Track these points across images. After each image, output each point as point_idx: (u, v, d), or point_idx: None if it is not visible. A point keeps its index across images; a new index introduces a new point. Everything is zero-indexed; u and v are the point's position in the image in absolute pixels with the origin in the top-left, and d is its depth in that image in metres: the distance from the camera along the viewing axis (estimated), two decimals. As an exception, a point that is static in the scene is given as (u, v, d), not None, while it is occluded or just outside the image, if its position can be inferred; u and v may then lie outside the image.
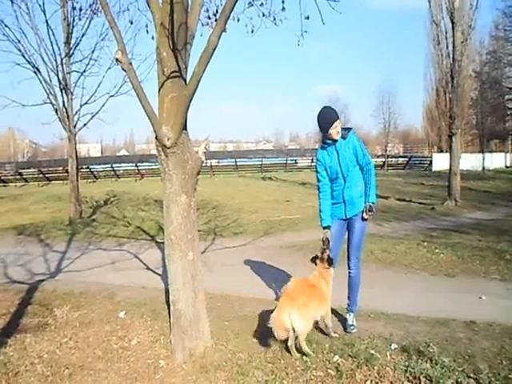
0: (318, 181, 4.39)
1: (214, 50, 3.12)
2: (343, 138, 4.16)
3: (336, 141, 4.17)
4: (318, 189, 4.43)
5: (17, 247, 9.56)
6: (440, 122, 19.56)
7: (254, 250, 8.86)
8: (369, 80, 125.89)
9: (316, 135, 53.84)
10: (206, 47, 3.10)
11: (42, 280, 6.64)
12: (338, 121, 4.09)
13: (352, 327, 4.32)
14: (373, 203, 4.26)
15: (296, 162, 40.16)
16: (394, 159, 43.59)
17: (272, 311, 3.79)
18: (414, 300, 5.52)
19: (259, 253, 8.59)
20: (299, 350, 3.73)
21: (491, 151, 39.83)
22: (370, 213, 4.25)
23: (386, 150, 43.77)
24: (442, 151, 39.88)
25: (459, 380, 3.23)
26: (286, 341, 3.75)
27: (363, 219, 4.33)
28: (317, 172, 4.39)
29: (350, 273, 4.44)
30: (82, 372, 3.63)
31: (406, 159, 40.76)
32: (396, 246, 8.57)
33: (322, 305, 3.97)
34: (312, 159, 39.08)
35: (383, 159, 40.65)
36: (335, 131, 4.09)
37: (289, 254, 8.43)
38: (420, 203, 16.54)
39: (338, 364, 3.57)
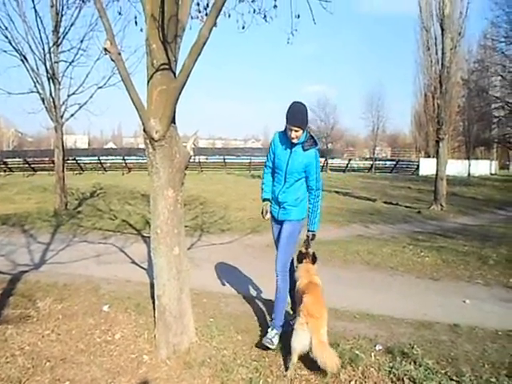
0: (267, 160, 4.17)
1: (205, 43, 3.07)
2: (303, 148, 3.84)
3: (293, 143, 3.84)
4: (264, 166, 4.23)
5: (0, 237, 9.39)
6: (428, 127, 19.90)
7: (240, 248, 8.86)
8: (358, 83, 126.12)
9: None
10: (196, 40, 3.05)
11: (25, 271, 6.52)
12: (301, 130, 3.74)
13: (268, 340, 3.78)
14: (314, 232, 4.06)
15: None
16: (381, 162, 43.92)
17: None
18: (399, 302, 5.56)
19: (246, 250, 8.59)
20: None
21: (477, 158, 40.46)
22: (309, 243, 4.06)
23: (373, 153, 44.14)
24: (429, 156, 40.31)
25: (442, 382, 3.26)
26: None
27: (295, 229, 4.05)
28: (268, 151, 4.13)
29: (276, 281, 4.02)
30: (64, 365, 3.57)
31: (394, 163, 41.09)
32: (382, 248, 8.64)
33: None
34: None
35: (371, 162, 40.94)
36: (294, 135, 3.74)
37: (271, 251, 8.41)
38: (407, 207, 16.70)
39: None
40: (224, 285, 6.14)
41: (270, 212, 4.16)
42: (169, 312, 3.73)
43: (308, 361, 3.58)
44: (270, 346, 3.76)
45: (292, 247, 4.07)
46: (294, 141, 3.77)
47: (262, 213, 4.16)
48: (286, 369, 3.46)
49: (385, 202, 17.82)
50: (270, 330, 3.90)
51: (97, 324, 4.41)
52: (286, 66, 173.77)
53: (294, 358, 3.38)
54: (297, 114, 3.72)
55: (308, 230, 4.06)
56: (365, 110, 43.85)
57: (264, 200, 4.18)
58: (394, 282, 6.56)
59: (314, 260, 4.08)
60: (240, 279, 6.49)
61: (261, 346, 3.83)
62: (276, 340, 3.80)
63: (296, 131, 3.71)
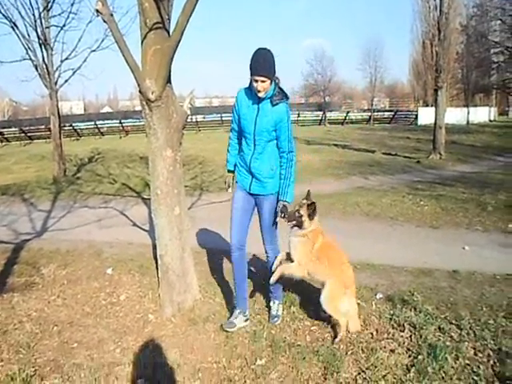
0: (231, 123, 3.64)
1: (197, 1, 2.97)
2: (272, 103, 3.30)
3: (260, 97, 3.28)
4: (231, 130, 3.68)
5: (0, 207, 9.41)
6: (426, 75, 19.47)
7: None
8: (355, 34, 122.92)
9: (301, 89, 52.91)
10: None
11: (28, 239, 6.57)
12: (268, 81, 3.19)
13: (276, 319, 3.64)
14: (287, 203, 3.43)
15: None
16: (379, 113, 43.43)
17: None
18: (399, 251, 5.62)
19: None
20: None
21: (476, 105, 39.87)
22: (283, 214, 3.38)
23: (372, 105, 43.47)
24: (427, 105, 39.81)
25: (442, 326, 3.34)
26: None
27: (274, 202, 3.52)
28: (232, 112, 3.57)
29: (267, 257, 3.70)
30: (71, 328, 3.65)
31: (392, 113, 40.63)
32: (382, 199, 8.67)
33: None
34: (298, 114, 38.72)
35: (369, 113, 40.48)
36: (261, 86, 3.19)
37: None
38: (406, 157, 16.64)
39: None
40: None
41: (238, 181, 3.61)
42: (172, 271, 3.78)
43: (311, 312, 3.67)
44: (279, 322, 3.62)
45: (275, 224, 3.56)
46: (261, 94, 3.24)
47: (225, 183, 3.71)
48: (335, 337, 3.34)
49: (384, 153, 17.75)
50: (272, 304, 3.73)
51: (101, 287, 4.49)
52: (282, 19, 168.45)
53: (344, 321, 3.32)
54: (262, 62, 3.18)
55: (280, 200, 3.43)
56: (362, 61, 42.85)
57: (228, 171, 3.71)
58: (394, 232, 6.61)
59: (313, 211, 3.42)
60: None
61: (271, 323, 3.62)
62: (281, 311, 3.71)
63: (263, 82, 3.18)
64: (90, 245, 6.05)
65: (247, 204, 3.58)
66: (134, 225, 7.09)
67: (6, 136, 33.40)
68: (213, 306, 3.92)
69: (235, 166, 3.65)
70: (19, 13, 12.18)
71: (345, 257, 3.48)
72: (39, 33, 12.70)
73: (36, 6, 12.47)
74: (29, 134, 32.68)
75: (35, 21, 12.51)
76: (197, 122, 34.56)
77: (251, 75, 3.20)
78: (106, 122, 37.90)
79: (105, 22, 3.04)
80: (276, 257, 3.56)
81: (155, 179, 3.70)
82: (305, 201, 3.43)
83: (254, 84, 3.20)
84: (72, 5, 12.81)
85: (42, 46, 12.91)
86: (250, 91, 3.34)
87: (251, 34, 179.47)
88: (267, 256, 3.68)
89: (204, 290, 4.15)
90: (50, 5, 12.76)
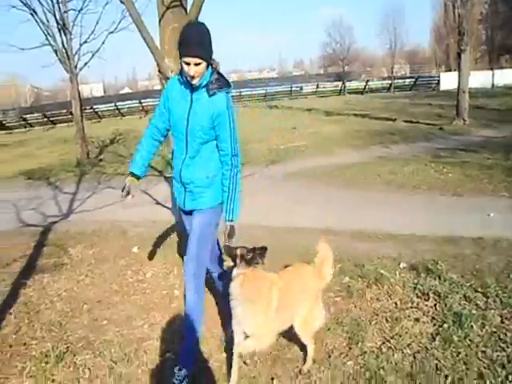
0: (153, 116, 2.87)
1: None
2: (208, 92, 2.58)
3: (194, 85, 2.56)
4: (148, 125, 2.92)
5: (27, 191, 9.65)
6: (448, 39, 18.85)
7: (261, 179, 8.90)
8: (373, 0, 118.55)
9: (319, 60, 51.87)
10: None
11: (55, 222, 6.76)
12: (203, 63, 2.48)
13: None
14: (232, 222, 2.69)
15: (301, 89, 38.99)
16: (400, 81, 42.19)
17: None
18: (422, 220, 5.56)
19: (265, 181, 8.64)
20: None
21: (501, 67, 38.38)
22: (230, 239, 2.67)
23: (392, 72, 42.30)
24: (450, 70, 38.52)
25: (467, 295, 3.31)
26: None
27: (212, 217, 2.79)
28: (158, 104, 2.85)
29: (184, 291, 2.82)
30: (100, 306, 3.77)
31: (413, 80, 39.46)
32: (403, 168, 8.55)
33: None
34: (317, 85, 38.01)
35: (389, 81, 39.43)
36: (194, 71, 2.48)
37: (295, 181, 8.49)
38: (428, 124, 16.24)
39: (349, 285, 3.67)
40: (246, 216, 6.21)
41: (175, 198, 2.95)
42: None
43: (335, 284, 3.69)
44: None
45: (207, 246, 2.79)
46: (195, 81, 2.52)
47: (122, 190, 2.83)
48: None
49: (405, 121, 17.35)
50: (176, 369, 2.62)
51: (128, 265, 4.60)
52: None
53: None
54: (196, 40, 2.46)
55: (225, 220, 2.71)
56: (381, 27, 41.62)
57: (130, 173, 2.89)
58: (417, 201, 6.53)
59: (260, 256, 2.58)
60: (262, 210, 6.55)
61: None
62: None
63: (196, 65, 2.46)
64: (115, 225, 6.18)
65: (188, 223, 2.90)
66: (158, 203, 7.19)
67: (29, 122, 33.95)
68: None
69: (145, 170, 2.93)
70: None
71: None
72: (58, 18, 12.90)
73: None
74: (51, 119, 33.15)
75: (53, 6, 12.76)
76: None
77: (181, 57, 2.49)
78: (125, 102, 37.97)
79: (122, 2, 3.07)
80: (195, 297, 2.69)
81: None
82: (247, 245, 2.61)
83: (186, 68, 2.48)
84: None
85: (61, 31, 13.10)
86: (183, 79, 2.60)
87: (265, 4, 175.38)
88: (184, 291, 2.79)
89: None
90: None
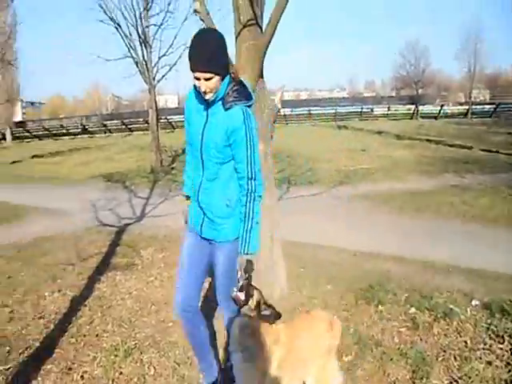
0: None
1: None
2: (224, 106, 2.28)
3: (208, 100, 2.28)
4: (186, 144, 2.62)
5: (106, 193, 10.30)
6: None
7: (329, 199, 8.86)
8: (452, 19, 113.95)
9: (393, 81, 50.81)
10: None
11: (129, 224, 7.15)
12: (215, 76, 2.18)
13: None
14: (250, 255, 2.34)
15: (372, 110, 38.39)
16: (478, 107, 40.22)
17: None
18: (498, 256, 5.25)
19: (334, 202, 8.57)
20: None
21: None
22: (246, 275, 2.28)
23: (470, 97, 40.43)
24: (537, 97, 36.17)
25: (548, 340, 3.09)
26: (362, 292, 3.77)
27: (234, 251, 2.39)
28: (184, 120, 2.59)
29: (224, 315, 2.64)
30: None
31: (494, 106, 37.46)
32: (480, 199, 8.15)
33: None
34: (388, 107, 37.22)
35: (466, 107, 37.69)
36: (204, 86, 2.20)
37: (363, 204, 8.34)
38: (508, 154, 15.31)
39: (415, 316, 3.54)
40: (312, 236, 6.22)
41: (189, 220, 2.58)
42: (261, 261, 3.89)
43: (400, 313, 3.60)
44: None
45: (235, 279, 2.33)
46: (208, 97, 2.24)
47: (184, 216, 2.66)
48: None
49: (482, 150, 16.48)
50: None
51: (195, 272, 4.75)
52: (372, 8, 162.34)
53: None
54: (203, 52, 2.15)
55: (241, 253, 2.33)
56: (459, 49, 39.83)
57: (186, 197, 2.66)
58: (493, 235, 6.18)
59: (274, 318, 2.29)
60: (328, 230, 6.53)
61: None
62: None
63: (207, 80, 2.18)
64: (186, 232, 6.40)
65: (198, 252, 2.55)
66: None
67: (109, 128, 36.34)
68: (299, 299, 3.98)
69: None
70: (122, 14, 13.48)
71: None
72: (140, 32, 13.86)
73: (137, 6, 13.69)
74: (129, 126, 35.18)
75: (136, 21, 13.78)
76: (284, 115, 34.71)
77: (191, 69, 2.22)
78: (198, 115, 39.31)
79: (202, 20, 3.22)
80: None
81: (247, 171, 3.82)
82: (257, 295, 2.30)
83: (196, 83, 2.23)
84: (169, 4, 13.89)
85: (142, 44, 14.02)
86: (199, 92, 2.29)
87: (339, 24, 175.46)
88: (224, 314, 2.61)
89: (292, 282, 4.23)
90: (149, 5, 13.87)
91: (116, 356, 3.11)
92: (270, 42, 3.35)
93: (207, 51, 2.15)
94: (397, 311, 3.66)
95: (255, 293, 2.29)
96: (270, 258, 3.92)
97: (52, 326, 3.65)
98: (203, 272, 2.59)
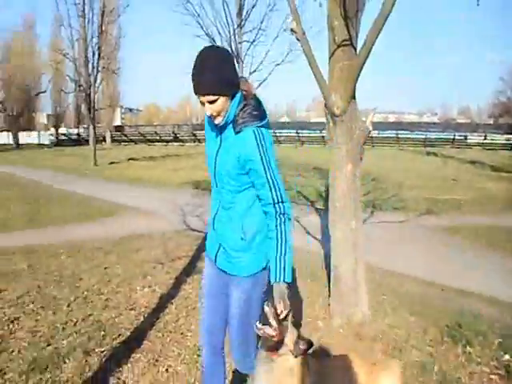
0: None
1: (387, 16, 2.96)
2: (235, 129, 2.05)
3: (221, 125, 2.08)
4: None
5: (193, 199, 10.78)
6: None
7: (414, 228, 8.51)
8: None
9: (490, 108, 47.73)
10: (380, 13, 2.95)
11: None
12: (221, 99, 1.97)
13: None
14: (287, 284, 2.02)
15: (465, 138, 36.19)
16: None
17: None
18: None
19: (421, 231, 8.23)
20: None
21: None
22: (285, 312, 1.95)
23: None
24: None
25: None
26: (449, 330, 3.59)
27: (251, 290, 2.23)
28: None
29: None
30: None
31: None
32: None
33: None
34: (485, 136, 34.89)
35: None
36: (210, 108, 2.00)
37: (453, 237, 7.90)
38: None
39: (509, 364, 3.29)
40: (396, 264, 6.02)
41: (206, 247, 2.43)
42: (344, 283, 3.88)
43: (492, 358, 3.37)
44: None
45: (251, 322, 2.07)
46: (217, 121, 2.05)
47: None
48: None
49: None
50: None
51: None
52: (469, 33, 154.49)
53: None
54: (204, 72, 1.93)
55: (272, 282, 2.04)
56: None
57: None
58: None
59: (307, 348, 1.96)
60: (413, 260, 6.28)
61: None
62: None
63: (211, 102, 1.98)
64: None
65: (216, 281, 2.35)
66: (307, 233, 7.37)
67: (198, 137, 38.22)
68: (380, 326, 3.87)
69: None
70: (217, 30, 14.38)
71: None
72: (233, 47, 14.60)
73: (231, 23, 14.44)
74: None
75: (230, 37, 14.61)
76: (371, 137, 34.08)
77: (196, 94, 2.00)
78: (283, 130, 39.95)
79: (298, 39, 3.30)
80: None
81: (334, 191, 3.85)
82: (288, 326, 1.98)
83: (203, 106, 2.03)
84: (261, 22, 14.49)
85: (235, 60, 14.62)
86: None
87: (427, 45, 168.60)
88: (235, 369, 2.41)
89: (373, 308, 4.13)
90: (243, 22, 14.56)
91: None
92: (363, 63, 3.34)
93: (208, 71, 1.92)
94: (488, 356, 3.41)
95: (290, 327, 1.98)
96: (354, 280, 3.88)
97: (142, 319, 3.92)
98: (224, 302, 2.34)
